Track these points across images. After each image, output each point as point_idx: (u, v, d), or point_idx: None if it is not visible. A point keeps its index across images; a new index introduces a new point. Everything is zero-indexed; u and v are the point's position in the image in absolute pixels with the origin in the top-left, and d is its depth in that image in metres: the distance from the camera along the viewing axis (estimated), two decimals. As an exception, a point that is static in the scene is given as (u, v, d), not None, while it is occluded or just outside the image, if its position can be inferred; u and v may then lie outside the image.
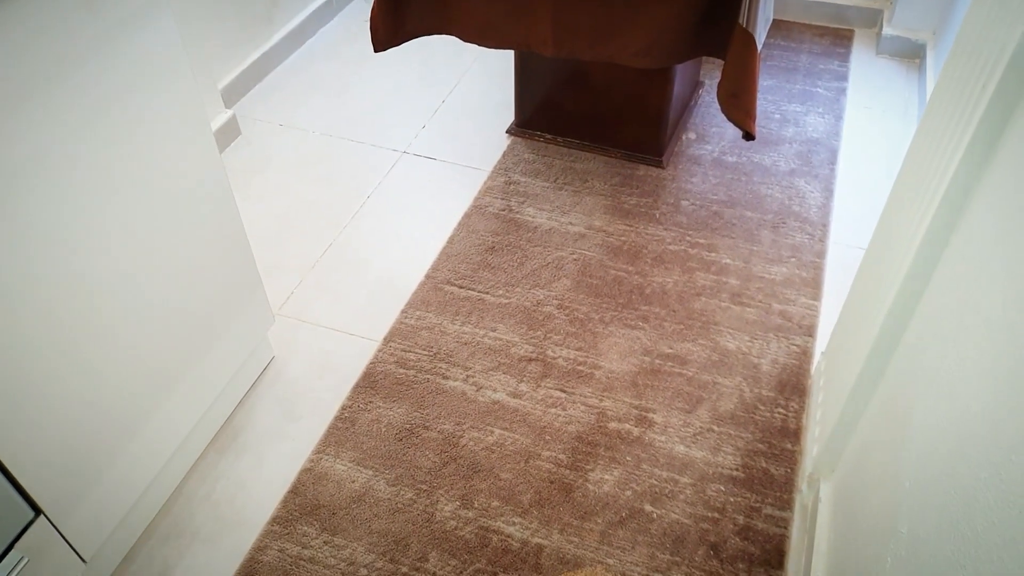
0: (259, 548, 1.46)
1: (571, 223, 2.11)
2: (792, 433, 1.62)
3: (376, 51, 2.02)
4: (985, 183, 0.92)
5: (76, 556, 1.30)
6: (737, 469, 1.56)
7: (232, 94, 2.51)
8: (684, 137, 2.39)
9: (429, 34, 2.03)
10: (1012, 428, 0.67)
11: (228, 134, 2.36)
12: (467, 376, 1.74)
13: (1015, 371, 0.69)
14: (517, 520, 1.49)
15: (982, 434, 0.73)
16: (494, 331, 1.84)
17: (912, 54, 2.71)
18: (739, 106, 1.78)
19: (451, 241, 2.07)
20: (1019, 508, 0.61)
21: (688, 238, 2.06)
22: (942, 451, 0.83)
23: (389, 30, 2.00)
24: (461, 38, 2.00)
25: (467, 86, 2.63)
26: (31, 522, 1.19)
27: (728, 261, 2.00)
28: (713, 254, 2.02)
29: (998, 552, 0.63)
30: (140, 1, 1.18)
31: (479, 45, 2.00)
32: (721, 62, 1.97)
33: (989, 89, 0.89)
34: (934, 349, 0.96)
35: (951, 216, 1.00)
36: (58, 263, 1.13)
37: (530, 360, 1.77)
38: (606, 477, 1.56)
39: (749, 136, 1.83)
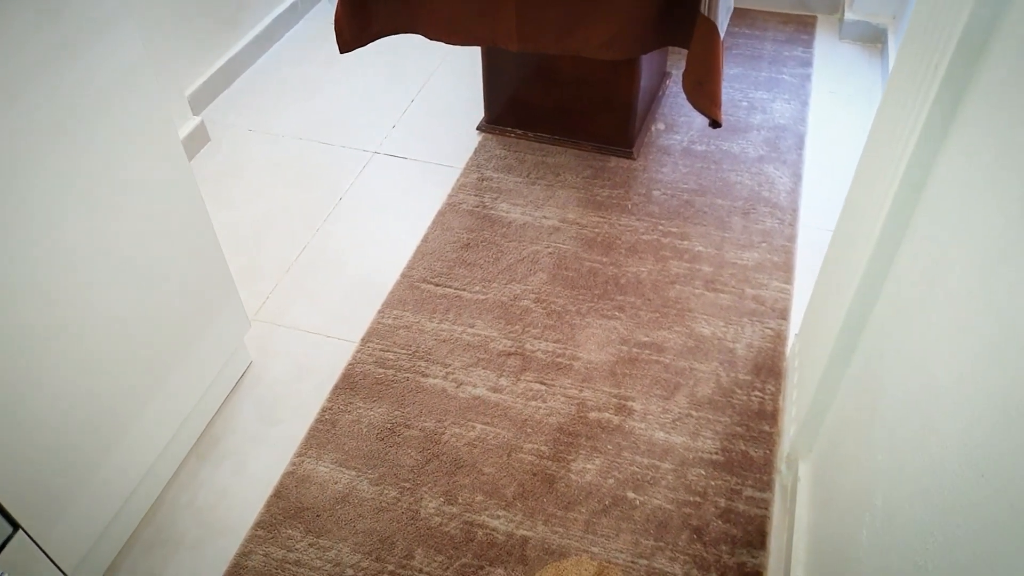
0: (244, 553, 1.46)
1: (545, 217, 2.12)
2: (769, 415, 1.64)
3: (342, 52, 2.02)
4: (942, 161, 0.94)
5: (57, 570, 1.29)
6: (717, 453, 1.58)
7: (200, 100, 2.50)
8: (653, 128, 2.41)
9: (394, 33, 2.03)
10: (976, 396, 0.68)
11: (197, 141, 2.35)
12: (447, 373, 1.75)
13: (978, 342, 0.71)
14: (501, 513, 1.50)
15: (949, 404, 0.75)
16: (472, 327, 1.84)
17: (874, 39, 2.75)
18: (704, 94, 1.79)
19: (426, 239, 2.07)
20: (982, 472, 0.62)
21: (660, 227, 2.08)
22: (912, 423, 0.85)
23: (354, 30, 2.00)
24: (427, 36, 2.00)
25: (436, 84, 2.64)
26: (9, 537, 1.18)
27: (700, 248, 2.02)
28: (685, 242, 2.04)
29: (964, 517, 0.64)
30: (102, 10, 1.18)
31: (445, 43, 2.00)
32: (687, 52, 1.98)
33: (941, 70, 0.90)
34: (901, 324, 0.98)
35: (912, 194, 1.02)
36: (25, 276, 1.12)
37: (509, 354, 1.78)
38: (588, 467, 1.57)
39: (715, 124, 1.85)
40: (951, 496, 0.68)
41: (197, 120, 2.34)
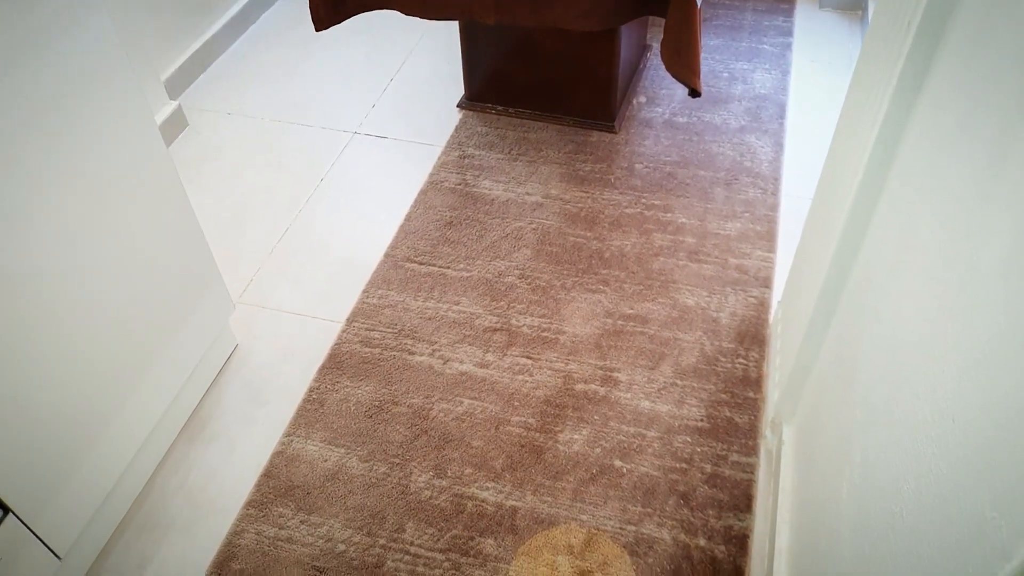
0: (236, 532, 1.47)
1: (528, 193, 2.12)
2: (754, 382, 1.66)
3: (317, 30, 2.01)
4: (915, 119, 0.94)
5: (50, 553, 1.30)
6: (702, 420, 1.59)
7: (176, 85, 2.49)
8: (635, 101, 2.41)
9: (370, 9, 2.02)
10: (944, 346, 0.70)
11: (175, 126, 2.34)
12: (433, 350, 1.75)
13: (945, 292, 0.72)
14: (491, 485, 1.51)
15: (920, 355, 0.76)
16: (457, 304, 1.85)
17: (854, 6, 2.75)
18: (682, 63, 1.79)
19: (408, 218, 2.07)
20: (952, 417, 0.63)
21: (643, 200, 2.09)
22: (887, 377, 0.86)
23: (329, 8, 1.99)
24: (402, 11, 1.99)
25: (415, 62, 2.63)
26: (0, 521, 1.19)
27: (684, 220, 2.03)
28: (669, 214, 2.04)
29: (935, 462, 0.66)
30: (72, -6, 1.17)
31: (421, 18, 2.00)
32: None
33: (913, 26, 0.91)
34: (877, 284, 0.99)
35: (887, 154, 1.02)
36: (6, 264, 1.12)
37: (495, 330, 1.79)
38: (575, 437, 1.58)
39: (695, 93, 1.85)
40: (923, 443, 0.69)
41: (174, 105, 2.33)
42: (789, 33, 2.67)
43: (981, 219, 0.67)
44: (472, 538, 1.44)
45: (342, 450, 1.58)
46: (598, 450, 1.56)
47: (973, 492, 0.57)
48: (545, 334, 1.77)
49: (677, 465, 1.53)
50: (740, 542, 1.42)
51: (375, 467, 1.55)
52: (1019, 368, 0.54)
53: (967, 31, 0.80)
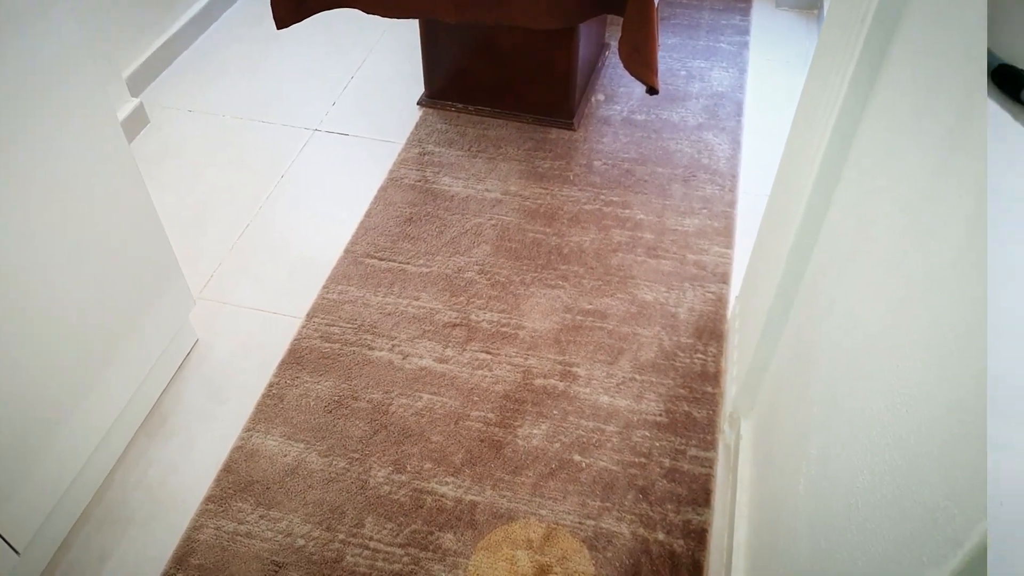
0: (195, 527, 1.46)
1: (487, 190, 2.13)
2: (712, 377, 1.68)
3: (279, 28, 1.99)
4: (871, 109, 0.97)
5: (8, 547, 1.28)
6: (661, 415, 1.62)
7: (138, 82, 2.45)
8: (593, 99, 2.43)
9: (331, 8, 2.01)
10: (898, 337, 0.72)
11: (136, 123, 2.31)
12: (393, 345, 1.75)
13: (904, 284, 0.74)
14: (450, 480, 1.52)
15: (876, 348, 0.78)
16: (417, 300, 1.85)
17: (810, 5, 2.79)
18: (640, 60, 1.81)
19: (368, 215, 2.07)
20: (906, 407, 0.65)
21: (602, 197, 2.10)
22: (844, 371, 0.88)
23: (290, 5, 1.98)
24: (363, 10, 1.99)
25: (375, 60, 2.62)
26: (-45, 518, 1.17)
27: (642, 217, 2.05)
28: (627, 211, 2.06)
29: (889, 452, 0.68)
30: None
31: (382, 16, 1.99)
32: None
33: (867, 21, 0.93)
34: (834, 277, 1.02)
35: (843, 145, 1.05)
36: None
37: (454, 325, 1.79)
38: (534, 432, 1.59)
39: (652, 90, 1.87)
40: (878, 434, 0.71)
41: (136, 102, 2.30)
42: (746, 32, 2.71)
43: (940, 204, 0.68)
44: (431, 533, 1.45)
45: (301, 445, 1.58)
46: (557, 445, 1.57)
47: (927, 482, 0.59)
48: (504, 329, 1.78)
49: (636, 460, 1.55)
50: (699, 536, 1.45)
51: (334, 462, 1.55)
52: (974, 355, 0.56)
53: (922, 18, 0.82)
